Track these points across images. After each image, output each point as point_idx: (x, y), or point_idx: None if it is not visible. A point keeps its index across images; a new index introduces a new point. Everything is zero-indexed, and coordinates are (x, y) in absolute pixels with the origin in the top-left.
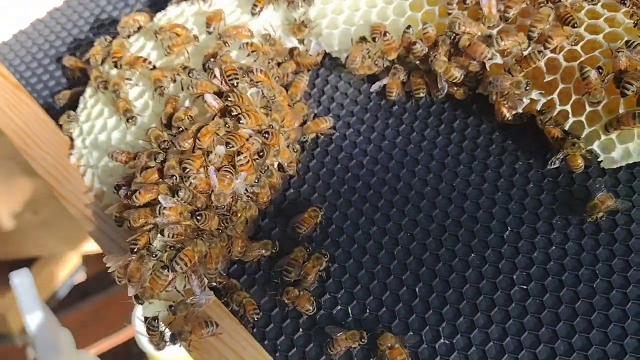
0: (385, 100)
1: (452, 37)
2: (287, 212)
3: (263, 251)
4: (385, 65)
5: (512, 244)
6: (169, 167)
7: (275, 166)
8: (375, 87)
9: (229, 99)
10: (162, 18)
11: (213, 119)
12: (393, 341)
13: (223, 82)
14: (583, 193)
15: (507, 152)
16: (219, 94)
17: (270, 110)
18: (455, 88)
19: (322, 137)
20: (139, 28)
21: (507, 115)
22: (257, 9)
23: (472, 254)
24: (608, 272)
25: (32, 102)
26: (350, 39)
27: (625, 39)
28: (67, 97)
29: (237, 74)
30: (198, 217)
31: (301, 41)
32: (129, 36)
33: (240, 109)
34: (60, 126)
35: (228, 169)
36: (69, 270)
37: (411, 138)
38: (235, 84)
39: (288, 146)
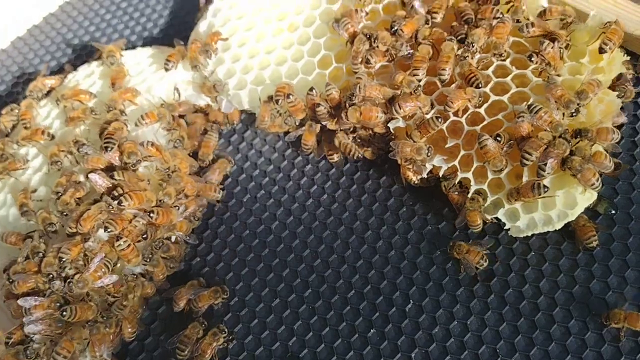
0: (299, 158)
1: (345, 103)
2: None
3: (191, 293)
4: (297, 124)
5: (413, 319)
6: (47, 265)
7: (173, 239)
8: (290, 137)
9: (113, 177)
10: (72, 79)
11: (101, 197)
12: None
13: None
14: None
15: (417, 215)
16: (112, 168)
17: (167, 183)
18: (364, 148)
19: (233, 200)
20: (49, 91)
21: (413, 179)
22: (170, 65)
23: (372, 330)
24: (510, 350)
25: None
26: (259, 98)
27: (530, 101)
28: None
29: (113, 140)
30: (64, 313)
31: (213, 98)
32: (39, 100)
33: (123, 189)
34: None
35: (108, 262)
36: None
37: (321, 201)
38: (110, 149)
39: (187, 217)
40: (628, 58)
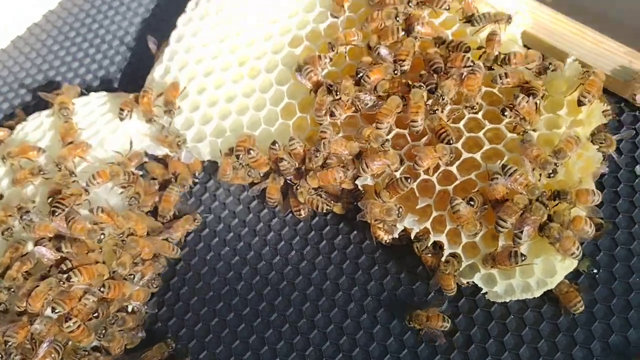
0: (265, 211)
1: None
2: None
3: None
4: (261, 175)
5: None
6: None
7: (130, 309)
8: (254, 190)
9: (61, 250)
10: (20, 131)
11: (49, 270)
12: None
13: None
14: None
15: (390, 274)
16: (62, 236)
17: (122, 249)
18: (333, 203)
19: (196, 258)
20: None
21: (385, 238)
22: (124, 114)
23: None
24: None
25: None
26: (219, 150)
27: (504, 159)
28: None
29: (62, 205)
30: None
31: (173, 150)
32: None
33: (72, 264)
34: None
35: (58, 345)
36: None
37: (289, 258)
38: (57, 213)
39: (143, 285)
40: (608, 108)
